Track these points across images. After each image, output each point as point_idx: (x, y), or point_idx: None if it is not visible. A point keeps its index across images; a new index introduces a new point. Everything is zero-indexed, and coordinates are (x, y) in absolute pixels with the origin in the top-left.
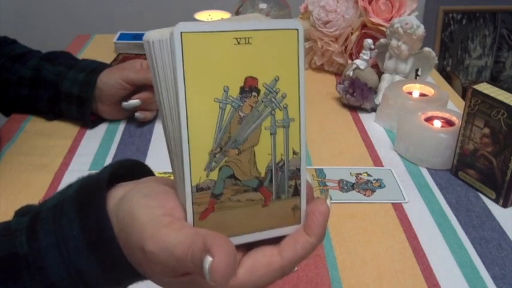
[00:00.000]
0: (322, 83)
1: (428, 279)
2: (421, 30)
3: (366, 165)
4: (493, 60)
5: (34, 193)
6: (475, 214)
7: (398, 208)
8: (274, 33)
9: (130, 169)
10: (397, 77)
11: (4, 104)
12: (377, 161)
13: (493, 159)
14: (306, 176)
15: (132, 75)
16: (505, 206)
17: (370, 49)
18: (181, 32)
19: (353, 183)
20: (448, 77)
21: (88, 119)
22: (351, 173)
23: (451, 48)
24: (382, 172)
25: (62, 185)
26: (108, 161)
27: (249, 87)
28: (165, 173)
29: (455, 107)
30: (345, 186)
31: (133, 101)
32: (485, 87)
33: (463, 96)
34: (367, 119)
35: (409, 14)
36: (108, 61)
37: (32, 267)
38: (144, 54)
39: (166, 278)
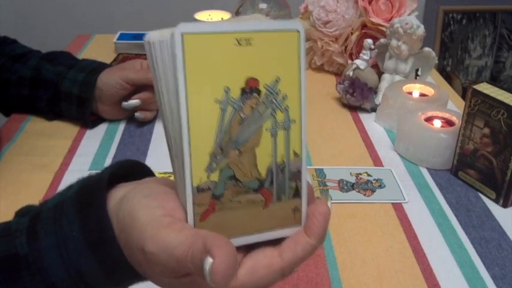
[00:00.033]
0: (322, 83)
1: (428, 279)
2: (421, 30)
3: (366, 165)
4: (493, 60)
5: (34, 193)
6: (475, 214)
7: (398, 208)
8: (275, 34)
9: (131, 170)
10: (397, 77)
11: (4, 104)
12: (377, 161)
13: (493, 159)
14: (307, 178)
15: (132, 75)
16: (505, 206)
17: (370, 49)
18: (182, 33)
19: (353, 183)
20: (448, 77)
21: (88, 119)
22: (351, 173)
23: (451, 48)
24: (382, 172)
25: (62, 185)
26: (108, 161)
27: (250, 89)
28: (165, 173)
29: (455, 107)
30: (345, 186)
31: (133, 101)
32: (485, 87)
33: (463, 96)
34: (367, 119)
35: (409, 14)
36: (108, 61)
37: (32, 268)
38: (144, 54)
39: (167, 279)
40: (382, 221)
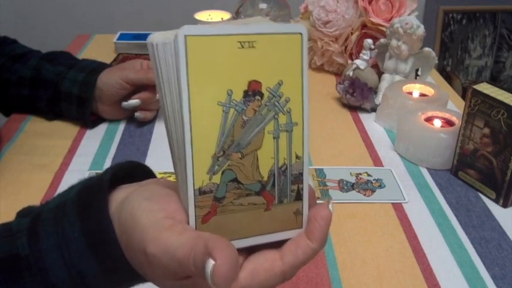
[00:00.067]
0: (322, 83)
1: (428, 279)
2: (421, 30)
3: (366, 165)
4: (493, 60)
5: (34, 193)
6: (475, 214)
7: (398, 208)
8: (278, 37)
9: (132, 171)
10: (397, 77)
11: (4, 104)
12: (377, 161)
13: (493, 159)
14: (309, 181)
15: (132, 75)
16: (505, 206)
17: (370, 49)
18: (185, 35)
19: (353, 183)
20: (448, 77)
21: (88, 119)
22: (351, 173)
23: (451, 48)
24: (382, 172)
25: (62, 185)
26: (108, 161)
27: (253, 91)
28: (165, 173)
29: (455, 107)
30: (345, 186)
31: (133, 101)
32: (485, 87)
33: (463, 96)
34: (367, 119)
35: (409, 14)
36: (108, 61)
37: (33, 269)
38: (144, 54)
39: (168, 281)
40: (382, 221)
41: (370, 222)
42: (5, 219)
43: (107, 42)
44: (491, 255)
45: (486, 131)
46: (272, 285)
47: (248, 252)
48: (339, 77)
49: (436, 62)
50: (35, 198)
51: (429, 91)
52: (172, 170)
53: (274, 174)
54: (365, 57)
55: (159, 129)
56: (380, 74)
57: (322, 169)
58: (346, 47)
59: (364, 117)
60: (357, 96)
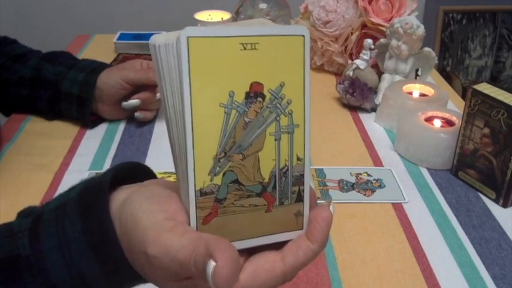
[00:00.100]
0: (322, 83)
1: (428, 279)
2: (421, 30)
3: (366, 165)
4: (493, 60)
5: (34, 193)
6: (475, 214)
7: (398, 208)
8: (281, 39)
9: (132, 172)
10: (397, 77)
11: (4, 104)
12: (377, 161)
13: (493, 159)
14: (309, 182)
15: (132, 75)
16: (505, 206)
17: (370, 49)
18: (187, 37)
19: (353, 183)
20: (448, 77)
21: (88, 119)
22: (351, 173)
23: (451, 48)
24: (382, 172)
25: (62, 185)
26: (108, 161)
27: (255, 93)
28: (165, 172)
29: (455, 107)
30: (345, 186)
31: (133, 101)
32: (485, 87)
33: (463, 96)
34: (367, 119)
35: (409, 14)
36: (108, 61)
37: (34, 269)
38: (144, 54)
39: (168, 282)
40: (382, 221)
41: (370, 222)
42: (5, 219)
43: (107, 42)
44: (491, 255)
45: (486, 131)
46: (273, 286)
47: (249, 253)
48: (339, 77)
49: (436, 62)
50: (35, 198)
51: (429, 91)
52: (172, 170)
53: (275, 176)
54: (365, 57)
55: (159, 129)
56: (380, 74)
57: (322, 169)
58: (346, 47)
59: (364, 117)
60: (357, 96)
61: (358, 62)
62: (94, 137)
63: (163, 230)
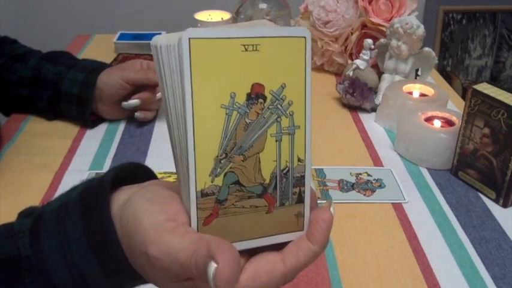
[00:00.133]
0: (322, 83)
1: (428, 279)
2: (421, 30)
3: (366, 165)
4: (493, 60)
5: (34, 193)
6: (475, 214)
7: (398, 208)
8: (282, 40)
9: (133, 172)
10: (397, 77)
11: (4, 104)
12: (377, 161)
13: (493, 159)
14: (310, 183)
15: (132, 75)
16: (505, 206)
17: (370, 49)
18: (189, 38)
19: (353, 183)
20: (448, 77)
21: (88, 119)
22: (351, 173)
23: (451, 48)
24: (382, 172)
25: (62, 185)
26: (108, 161)
27: (256, 94)
28: (165, 172)
29: (455, 107)
30: (345, 186)
31: (133, 101)
32: (485, 87)
33: (463, 96)
34: (367, 119)
35: (409, 14)
36: (108, 61)
37: (35, 269)
38: (144, 54)
39: (169, 283)
40: (382, 221)
41: (370, 222)
42: (5, 219)
43: (107, 42)
44: (491, 255)
45: (486, 131)
46: (273, 287)
47: (249, 254)
48: (339, 77)
49: (436, 62)
50: (35, 198)
51: (429, 91)
52: (172, 170)
53: (276, 177)
54: (365, 57)
55: (159, 129)
56: (380, 74)
57: (322, 169)
58: (346, 47)
59: (364, 117)
60: (357, 96)
61: (358, 62)
62: (94, 137)
63: (164, 230)
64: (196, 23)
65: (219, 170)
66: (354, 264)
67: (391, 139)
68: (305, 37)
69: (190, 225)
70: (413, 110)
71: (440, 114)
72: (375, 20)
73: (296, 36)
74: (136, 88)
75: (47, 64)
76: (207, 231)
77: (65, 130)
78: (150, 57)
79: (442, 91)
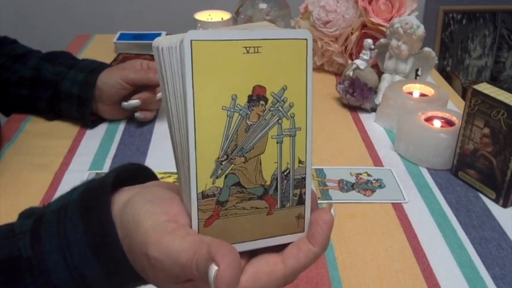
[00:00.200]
0: (322, 83)
1: (428, 279)
2: (421, 30)
3: (366, 165)
4: (493, 60)
5: (34, 193)
6: (475, 214)
7: (398, 208)
8: (283, 42)
9: (134, 173)
10: (397, 77)
11: (4, 104)
12: (377, 161)
13: (493, 159)
14: (311, 185)
15: (132, 75)
16: (505, 206)
17: (370, 49)
18: (191, 40)
19: (353, 183)
20: (448, 77)
21: (88, 119)
22: (351, 173)
23: (451, 48)
24: (382, 172)
25: (62, 185)
26: (108, 161)
27: (257, 96)
28: (165, 173)
29: (455, 107)
30: (345, 186)
31: (133, 101)
32: (485, 87)
33: (463, 96)
34: (367, 119)
35: (409, 14)
36: (108, 61)
37: (35, 270)
38: (144, 54)
39: (170, 284)
40: (382, 221)
41: (370, 222)
42: (5, 220)
43: (107, 42)
44: (491, 255)
45: (486, 131)
46: None
47: (250, 255)
48: (339, 77)
49: (436, 62)
50: (35, 198)
51: (429, 91)
52: (173, 170)
53: (277, 179)
54: (365, 57)
55: (159, 129)
56: (380, 74)
57: (322, 169)
58: (346, 47)
59: (364, 117)
60: (357, 96)
61: (358, 62)
62: (94, 137)
63: (165, 232)
64: (196, 23)
65: (220, 171)
66: (354, 264)
67: (391, 139)
68: (306, 39)
69: (191, 227)
70: (413, 110)
71: (440, 114)
72: (375, 20)
73: (297, 39)
74: (137, 88)
75: (47, 64)
76: (208, 232)
77: (65, 130)
78: (150, 57)
79: (442, 91)
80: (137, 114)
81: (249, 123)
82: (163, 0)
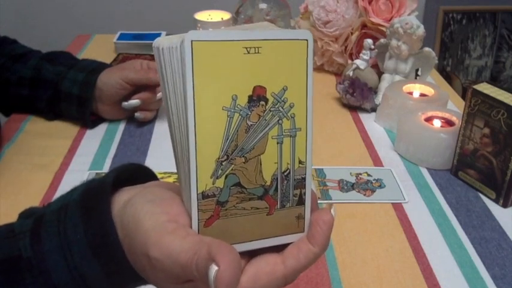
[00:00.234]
0: (322, 83)
1: (428, 279)
2: (421, 30)
3: (366, 165)
4: (493, 60)
5: (34, 193)
6: (475, 214)
7: (398, 208)
8: (284, 43)
9: (134, 173)
10: (397, 77)
11: (4, 104)
12: (377, 161)
13: (493, 159)
14: (311, 185)
15: (132, 75)
16: (505, 206)
17: (370, 49)
18: (191, 40)
19: (353, 183)
20: (448, 77)
21: (88, 119)
22: (351, 173)
23: (451, 48)
24: (382, 172)
25: (62, 185)
26: (108, 161)
27: (257, 96)
28: (165, 173)
29: (455, 107)
30: (345, 186)
31: (133, 101)
32: (485, 87)
33: (463, 96)
34: (367, 119)
35: (409, 14)
36: (108, 61)
37: (35, 270)
38: (144, 54)
39: (170, 284)
40: (382, 221)
41: (370, 222)
42: (5, 220)
43: (107, 42)
44: (491, 255)
45: (486, 131)
46: None
47: (250, 255)
48: (339, 77)
49: (436, 62)
50: (35, 198)
51: (429, 91)
52: (172, 170)
53: (277, 179)
54: (365, 57)
55: (159, 129)
56: (380, 74)
57: (322, 169)
58: (346, 47)
59: (364, 117)
60: (357, 96)
61: (358, 62)
62: (94, 137)
63: (165, 232)
64: (196, 23)
65: (220, 171)
66: (354, 264)
67: (391, 139)
68: (307, 40)
69: (191, 227)
70: (413, 110)
71: (440, 114)
72: (375, 20)
73: (298, 39)
74: (137, 88)
75: (47, 64)
76: (208, 232)
77: (65, 130)
78: (150, 57)
79: (442, 91)
80: (137, 114)
81: (249, 123)
82: (163, 0)
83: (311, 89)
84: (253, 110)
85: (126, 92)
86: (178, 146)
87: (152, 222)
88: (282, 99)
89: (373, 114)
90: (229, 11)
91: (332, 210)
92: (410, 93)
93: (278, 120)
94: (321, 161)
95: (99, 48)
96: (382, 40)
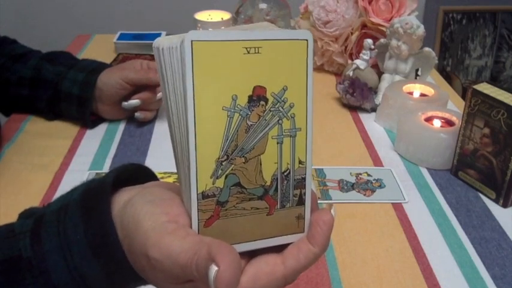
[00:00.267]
0: (322, 83)
1: (428, 279)
2: (421, 30)
3: (366, 165)
4: (493, 60)
5: (34, 193)
6: (475, 214)
7: (398, 208)
8: (284, 43)
9: (134, 173)
10: (397, 77)
11: (4, 104)
12: (377, 161)
13: (493, 159)
14: (311, 185)
15: (132, 75)
16: (505, 206)
17: (370, 49)
18: (191, 40)
19: (353, 183)
20: (448, 77)
21: (88, 119)
22: (351, 173)
23: (451, 48)
24: (382, 172)
25: (62, 185)
26: (108, 161)
27: (257, 96)
28: (165, 173)
29: (455, 107)
30: (345, 186)
31: (133, 101)
32: (485, 87)
33: (463, 96)
34: (367, 119)
35: (409, 14)
36: (108, 61)
37: (35, 270)
38: (144, 54)
39: (170, 284)
40: (382, 221)
41: (370, 222)
42: (5, 220)
43: (107, 42)
44: (491, 255)
45: (486, 131)
46: None
47: (250, 256)
48: (339, 77)
49: (436, 62)
50: (35, 198)
51: (429, 91)
52: (172, 170)
53: (277, 179)
54: (365, 57)
55: (159, 129)
56: (380, 74)
57: (322, 169)
58: (346, 47)
59: (364, 117)
60: (357, 96)
61: (358, 62)
62: (94, 137)
63: (165, 232)
64: (196, 23)
65: (220, 171)
66: (354, 264)
67: (391, 139)
68: (307, 40)
69: (191, 227)
70: (413, 110)
71: (440, 114)
72: (375, 20)
73: (298, 39)
74: (137, 88)
75: (47, 64)
76: (208, 233)
77: (65, 130)
78: (150, 57)
79: (442, 91)
80: (137, 114)
81: (249, 123)
82: (163, 0)
83: (311, 89)
84: (253, 110)
85: (126, 92)
86: (178, 146)
87: (152, 222)
88: (282, 99)
89: (373, 114)
90: (229, 11)
91: (332, 211)
92: (411, 93)
93: (278, 120)
94: (321, 161)
95: (99, 48)
96: (382, 40)
